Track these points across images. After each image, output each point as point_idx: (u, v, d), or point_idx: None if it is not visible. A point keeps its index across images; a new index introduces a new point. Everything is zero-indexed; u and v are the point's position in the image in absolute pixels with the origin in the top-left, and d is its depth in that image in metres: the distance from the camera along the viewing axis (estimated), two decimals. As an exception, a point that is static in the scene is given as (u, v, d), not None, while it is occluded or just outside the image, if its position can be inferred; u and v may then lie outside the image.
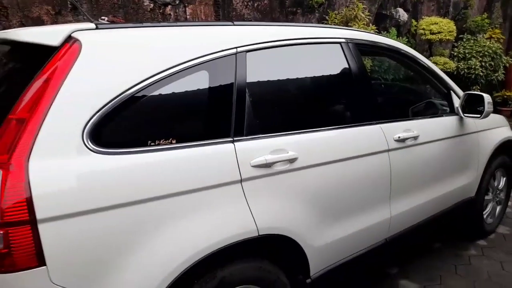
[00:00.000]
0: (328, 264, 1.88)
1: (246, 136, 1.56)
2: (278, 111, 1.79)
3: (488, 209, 3.16)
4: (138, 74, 1.36)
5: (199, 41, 1.55)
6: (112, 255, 1.24)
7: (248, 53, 1.63)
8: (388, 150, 2.08)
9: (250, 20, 5.09)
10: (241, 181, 1.51)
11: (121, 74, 1.34)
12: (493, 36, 7.95)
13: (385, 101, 2.72)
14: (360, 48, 2.14)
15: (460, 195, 2.73)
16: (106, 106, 1.28)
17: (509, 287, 2.51)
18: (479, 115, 2.48)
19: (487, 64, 7.38)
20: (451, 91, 2.67)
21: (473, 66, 7.27)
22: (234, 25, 1.71)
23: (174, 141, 1.40)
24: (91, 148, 1.23)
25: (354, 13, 5.21)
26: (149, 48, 1.44)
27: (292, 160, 1.64)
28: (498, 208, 3.29)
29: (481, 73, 7.32)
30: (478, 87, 7.48)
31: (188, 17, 4.74)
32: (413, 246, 2.95)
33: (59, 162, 1.18)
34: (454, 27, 6.64)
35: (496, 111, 8.32)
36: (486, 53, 7.38)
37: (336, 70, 2.06)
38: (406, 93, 3.24)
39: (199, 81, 1.50)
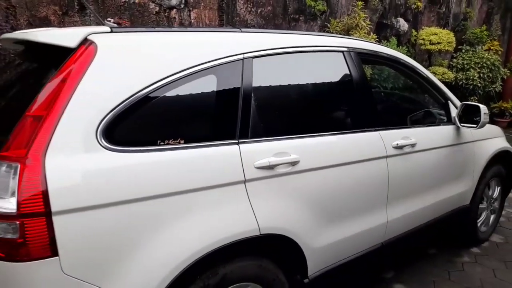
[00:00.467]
0: (326, 265, 1.94)
1: (251, 138, 1.62)
2: (281, 116, 1.86)
3: (482, 217, 3.23)
4: (149, 77, 1.42)
5: (208, 47, 1.62)
6: (121, 247, 1.30)
7: (254, 59, 1.70)
8: (387, 157, 2.14)
9: (254, 26, 5.18)
10: (245, 181, 1.57)
11: (134, 76, 1.40)
12: (492, 48, 8.07)
13: (384, 109, 2.79)
14: (362, 57, 2.21)
15: (455, 203, 2.80)
16: (119, 106, 1.34)
17: (501, 294, 2.57)
18: (475, 125, 2.56)
19: (485, 76, 7.48)
20: (449, 101, 2.75)
21: (472, 77, 7.37)
22: (242, 32, 1.78)
23: (182, 141, 1.46)
24: (104, 146, 1.29)
25: (356, 21, 5.29)
26: (160, 52, 1.50)
27: (294, 163, 1.71)
28: (492, 217, 3.36)
29: (479, 84, 7.42)
30: (476, 98, 7.57)
31: (192, 21, 4.82)
32: (409, 251, 3.02)
33: (74, 158, 1.24)
34: (454, 38, 6.74)
35: (493, 122, 8.45)
36: (485, 64, 7.49)
37: (338, 78, 2.13)
38: (405, 102, 3.31)
39: (207, 85, 1.57)
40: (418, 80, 2.70)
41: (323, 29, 5.64)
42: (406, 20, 6.74)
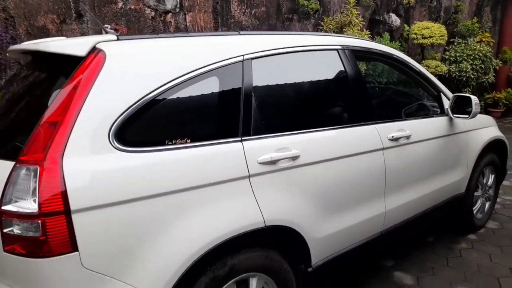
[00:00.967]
0: (328, 254, 2.03)
1: (253, 135, 1.71)
2: (281, 113, 1.95)
3: (478, 205, 3.33)
4: (156, 80, 1.50)
5: (210, 50, 1.70)
6: (136, 242, 1.38)
7: (253, 60, 1.78)
8: (383, 149, 2.23)
9: (248, 27, 5.26)
10: (249, 176, 1.65)
11: (141, 80, 1.48)
12: (483, 39, 8.20)
13: (379, 103, 2.88)
14: (356, 54, 2.30)
15: (451, 191, 2.89)
16: (129, 109, 1.42)
17: (496, 276, 2.66)
18: (467, 116, 2.65)
19: (477, 67, 7.60)
20: (441, 93, 2.84)
21: (464, 69, 7.49)
22: (240, 34, 1.86)
23: (189, 141, 1.54)
24: (117, 147, 1.37)
25: (349, 19, 5.38)
26: (165, 57, 1.58)
27: (295, 158, 1.79)
28: (487, 204, 3.46)
29: (472, 76, 7.55)
30: (470, 89, 7.69)
31: (188, 24, 4.89)
32: (408, 240, 3.11)
33: (89, 159, 1.32)
34: (445, 31, 6.86)
35: (487, 112, 8.58)
36: (477, 56, 7.61)
37: (334, 75, 2.22)
38: (399, 96, 3.41)
39: (210, 86, 1.65)
40: (411, 74, 2.79)
41: (317, 27, 5.73)
42: (398, 15, 6.85)
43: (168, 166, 1.47)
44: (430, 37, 6.66)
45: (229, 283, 1.63)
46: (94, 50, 1.44)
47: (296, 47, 2.01)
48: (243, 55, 1.75)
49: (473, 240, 3.21)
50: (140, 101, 1.44)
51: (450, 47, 7.86)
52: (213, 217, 1.55)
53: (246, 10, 5.28)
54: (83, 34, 4.12)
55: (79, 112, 1.32)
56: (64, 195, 1.25)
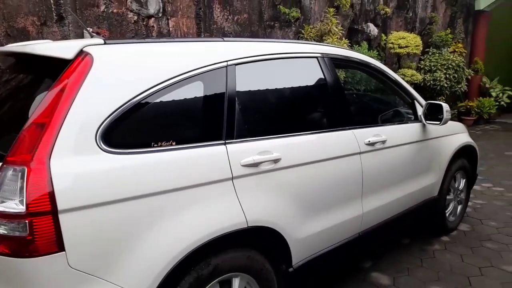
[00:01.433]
0: (308, 255, 2.10)
1: (236, 139, 1.76)
2: (263, 117, 2.01)
3: (450, 208, 3.47)
4: (142, 84, 1.54)
5: (195, 55, 1.75)
6: (122, 242, 1.41)
7: (237, 66, 1.84)
8: (360, 153, 2.33)
9: (231, 33, 5.33)
10: (232, 178, 1.71)
11: (127, 83, 1.52)
12: (456, 50, 8.52)
13: (357, 109, 2.99)
14: (334, 62, 2.40)
15: (424, 194, 3.02)
16: (116, 112, 1.45)
17: (467, 275, 2.79)
18: (438, 122, 2.79)
19: (451, 76, 7.89)
20: (415, 101, 2.97)
21: (438, 78, 7.76)
22: (224, 41, 1.92)
23: (174, 143, 1.59)
24: (103, 149, 1.41)
25: (328, 27, 5.51)
26: (151, 61, 1.62)
27: (276, 161, 1.86)
28: (459, 207, 3.61)
29: (445, 85, 7.82)
30: (443, 98, 7.97)
31: (170, 29, 4.92)
32: (384, 242, 3.22)
33: (76, 160, 1.35)
34: (420, 42, 7.10)
35: (460, 120, 8.90)
36: (450, 66, 7.90)
37: (313, 82, 2.31)
38: (376, 102, 3.53)
39: (195, 91, 1.70)
40: (387, 82, 2.91)
41: (298, 35, 5.84)
42: (376, 25, 7.05)
43: (153, 167, 1.50)
44: (406, 46, 6.88)
45: (212, 283, 1.68)
46: (81, 53, 1.47)
47: (278, 54, 2.09)
48: (226, 61, 1.81)
49: (446, 242, 3.35)
50: (126, 104, 1.48)
51: (425, 56, 8.13)
52: (197, 217, 1.59)
53: (229, 17, 5.35)
54: (64, 36, 4.09)
55: (66, 114, 1.35)
56: (51, 195, 1.27)
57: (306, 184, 2.03)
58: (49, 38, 3.97)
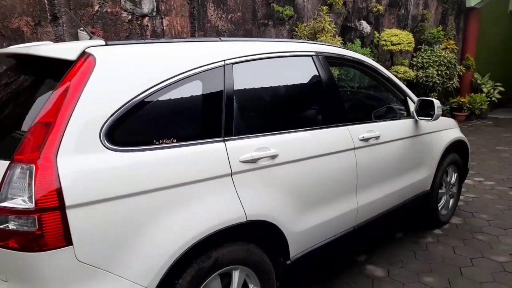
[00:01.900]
0: (305, 248, 2.16)
1: (235, 136, 1.82)
2: (261, 115, 2.07)
3: (442, 201, 3.56)
4: (143, 84, 1.59)
5: (193, 55, 1.80)
6: (127, 236, 1.46)
7: (234, 65, 1.90)
8: (354, 148, 2.40)
9: (225, 32, 5.37)
10: (231, 174, 1.76)
11: (129, 83, 1.57)
12: (448, 46, 8.63)
13: (351, 106, 3.06)
14: (329, 60, 2.46)
15: (417, 188, 3.10)
16: (119, 111, 1.50)
17: (458, 266, 2.88)
18: (430, 118, 2.87)
19: (443, 73, 8.00)
20: (407, 97, 3.05)
21: (431, 75, 7.86)
22: (222, 41, 1.98)
23: (175, 141, 1.64)
24: (107, 146, 1.45)
25: (322, 25, 5.57)
26: (151, 61, 1.67)
27: (274, 157, 1.92)
28: (451, 201, 3.70)
29: (438, 81, 7.93)
30: (436, 94, 8.08)
31: (164, 28, 4.95)
32: (379, 236, 3.30)
33: (81, 158, 1.39)
34: (413, 39, 7.18)
35: (452, 116, 9.02)
36: (442, 62, 8.01)
37: (308, 79, 2.37)
38: (369, 99, 3.60)
39: (194, 89, 1.75)
40: (380, 79, 2.98)
41: (291, 33, 5.90)
42: (369, 22, 7.13)
43: (155, 164, 1.55)
44: (399, 44, 6.96)
45: (213, 275, 1.73)
46: (84, 54, 1.51)
47: (274, 53, 2.14)
48: (224, 60, 1.87)
49: (439, 235, 3.43)
50: (129, 103, 1.53)
51: (418, 53, 8.23)
52: (198, 212, 1.65)
53: (223, 15, 5.39)
54: (58, 37, 4.11)
55: (71, 113, 1.40)
56: (59, 191, 1.32)
57: (303, 179, 2.09)
58: (44, 38, 3.99)
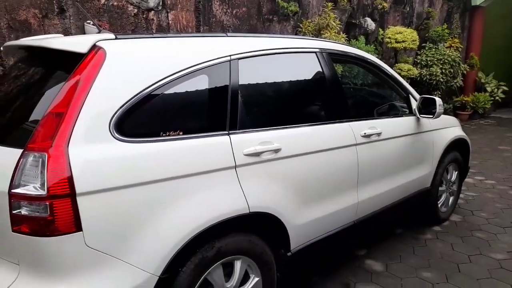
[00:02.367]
0: (306, 240, 2.21)
1: (239, 130, 1.87)
2: (265, 109, 2.12)
3: (442, 199, 3.60)
4: (151, 77, 1.64)
5: (200, 50, 1.85)
6: (134, 224, 1.52)
7: (240, 60, 1.94)
8: (356, 144, 2.44)
9: (229, 27, 5.40)
10: (235, 167, 1.81)
11: (138, 76, 1.61)
12: (453, 45, 8.62)
13: (353, 102, 3.10)
14: (332, 57, 2.50)
15: (417, 185, 3.14)
16: (128, 103, 1.55)
17: (456, 262, 2.93)
18: (432, 116, 2.91)
19: (447, 71, 8.00)
20: (410, 95, 3.08)
21: (435, 73, 7.86)
22: (228, 36, 2.02)
23: (181, 133, 1.69)
24: (116, 137, 1.50)
25: (326, 22, 5.59)
26: (159, 56, 1.72)
27: (277, 151, 1.96)
28: (451, 199, 3.74)
29: (441, 79, 7.93)
30: (439, 92, 8.09)
31: (170, 22, 4.99)
32: (379, 231, 3.35)
33: (91, 147, 1.44)
34: (417, 37, 7.18)
35: (455, 114, 9.03)
36: (446, 60, 8.00)
37: (312, 75, 2.41)
38: (372, 96, 3.64)
39: (201, 84, 1.80)
40: (382, 76, 3.02)
41: (296, 29, 5.92)
42: (373, 19, 7.13)
43: (162, 155, 1.60)
44: (403, 41, 6.97)
45: (216, 264, 1.78)
46: (94, 47, 1.56)
47: (279, 49, 2.18)
48: (230, 56, 1.91)
49: (438, 231, 3.48)
50: (137, 96, 1.58)
51: (422, 51, 8.23)
52: (203, 203, 1.70)
53: (228, 10, 5.41)
54: (65, 29, 4.15)
55: (82, 105, 1.45)
56: (70, 179, 1.37)
57: (305, 174, 2.14)
58: (51, 30, 4.03)
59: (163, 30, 4.87)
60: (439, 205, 3.55)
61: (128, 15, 4.63)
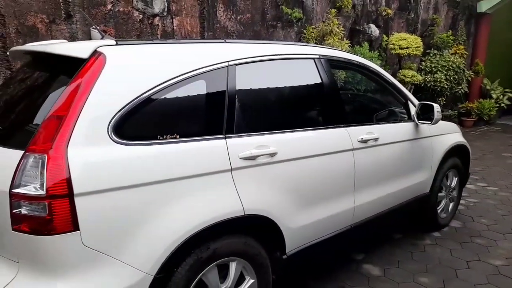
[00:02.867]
0: (301, 243, 2.24)
1: (236, 134, 1.91)
2: (262, 114, 2.15)
3: (442, 205, 3.60)
4: (150, 82, 1.69)
5: (198, 56, 1.90)
6: (130, 225, 1.56)
7: (237, 66, 1.99)
8: (353, 149, 2.47)
9: (234, 32, 5.47)
10: (231, 170, 1.85)
11: (137, 81, 1.66)
12: (458, 51, 8.61)
13: (352, 108, 3.13)
14: (331, 63, 2.54)
15: (416, 191, 3.16)
16: (126, 107, 1.60)
17: (454, 268, 2.94)
18: (430, 122, 2.93)
19: (451, 78, 7.99)
20: (408, 101, 3.11)
21: (439, 79, 7.86)
22: (226, 42, 2.07)
23: (178, 136, 1.73)
24: (115, 140, 1.55)
25: (330, 28, 5.64)
26: (158, 61, 1.77)
27: (272, 154, 2.00)
28: (451, 205, 3.74)
29: (446, 86, 7.92)
30: (444, 99, 8.08)
31: (175, 28, 5.06)
32: (377, 236, 3.36)
33: (90, 150, 1.49)
34: (421, 43, 7.20)
35: (460, 121, 8.99)
36: (451, 67, 8.00)
37: (310, 81, 2.44)
38: (370, 102, 3.67)
39: (198, 88, 1.85)
40: (381, 83, 3.05)
41: (300, 35, 5.97)
42: (378, 26, 7.16)
43: (159, 158, 1.65)
44: (407, 48, 6.99)
45: (211, 265, 1.82)
46: (95, 53, 1.61)
47: (277, 55, 2.23)
48: (228, 61, 1.96)
49: (437, 237, 3.48)
50: (136, 100, 1.63)
51: (426, 58, 8.23)
52: (198, 204, 1.74)
53: (232, 16, 5.48)
54: (72, 34, 4.24)
55: (82, 108, 1.50)
56: (68, 180, 1.42)
57: (301, 177, 2.17)
58: (58, 35, 4.12)
59: (168, 35, 4.95)
60: (439, 211, 3.55)
61: (133, 21, 4.72)
